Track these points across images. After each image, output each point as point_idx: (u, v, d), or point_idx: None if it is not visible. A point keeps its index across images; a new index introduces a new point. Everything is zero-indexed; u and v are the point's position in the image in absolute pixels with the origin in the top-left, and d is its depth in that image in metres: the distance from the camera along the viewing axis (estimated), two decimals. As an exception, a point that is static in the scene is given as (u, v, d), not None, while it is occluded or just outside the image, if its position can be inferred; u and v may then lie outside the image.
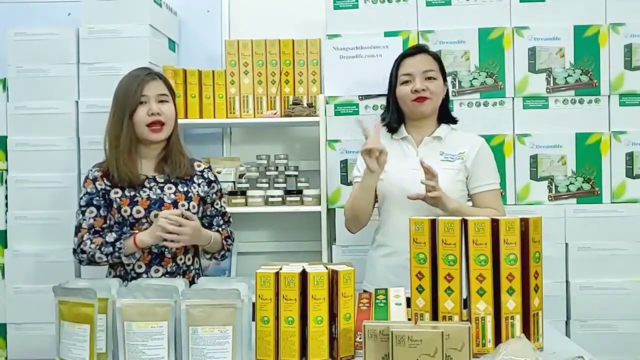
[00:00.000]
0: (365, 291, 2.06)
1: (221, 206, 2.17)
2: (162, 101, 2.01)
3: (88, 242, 1.96)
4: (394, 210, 2.05)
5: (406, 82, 2.06)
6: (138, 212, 1.98)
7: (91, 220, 1.99)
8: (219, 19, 2.99)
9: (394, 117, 2.13)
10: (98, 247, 1.94)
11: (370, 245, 2.19)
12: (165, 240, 1.91)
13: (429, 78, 2.05)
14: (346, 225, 2.16)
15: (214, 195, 2.14)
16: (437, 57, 2.13)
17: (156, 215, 1.96)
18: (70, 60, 2.58)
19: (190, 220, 1.94)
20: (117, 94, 2.02)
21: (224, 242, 2.13)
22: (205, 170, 2.15)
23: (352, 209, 2.09)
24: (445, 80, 2.12)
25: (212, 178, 2.16)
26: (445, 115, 2.14)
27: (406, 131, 2.12)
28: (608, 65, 2.48)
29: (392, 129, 2.14)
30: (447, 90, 2.16)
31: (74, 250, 1.99)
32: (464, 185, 2.07)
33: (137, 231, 1.96)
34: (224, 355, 1.39)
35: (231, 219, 2.20)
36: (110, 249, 1.93)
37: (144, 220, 1.98)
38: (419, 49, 2.13)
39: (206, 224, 2.12)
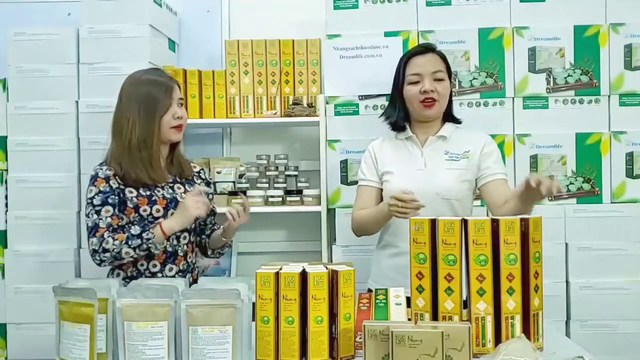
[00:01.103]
0: (370, 289, 2.06)
1: (214, 206, 2.22)
2: (180, 105, 2.06)
3: (110, 240, 1.90)
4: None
5: (415, 82, 2.04)
6: (158, 210, 1.99)
7: (108, 219, 1.94)
8: (219, 19, 2.99)
9: (401, 116, 2.10)
10: (124, 242, 1.90)
11: (376, 244, 2.18)
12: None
13: (438, 79, 2.03)
14: (353, 230, 2.16)
15: (210, 196, 2.19)
16: (444, 57, 2.10)
17: (172, 214, 1.99)
18: (70, 60, 2.58)
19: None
20: (142, 97, 1.98)
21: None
22: (202, 171, 2.22)
23: (360, 227, 2.11)
24: (450, 80, 2.10)
25: (207, 179, 2.23)
26: (449, 115, 2.13)
27: (411, 130, 2.11)
28: (608, 65, 2.48)
29: (399, 127, 2.12)
30: (451, 91, 2.13)
31: (94, 251, 1.92)
32: (471, 185, 2.06)
33: (159, 221, 1.95)
34: (224, 355, 1.39)
35: None
36: (138, 241, 1.90)
37: (161, 220, 1.98)
38: (428, 48, 2.10)
39: (202, 224, 2.17)
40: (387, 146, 2.14)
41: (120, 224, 1.97)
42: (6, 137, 2.58)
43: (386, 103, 2.49)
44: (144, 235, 1.91)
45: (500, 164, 2.08)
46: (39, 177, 2.55)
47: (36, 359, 2.44)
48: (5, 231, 2.57)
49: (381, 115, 2.18)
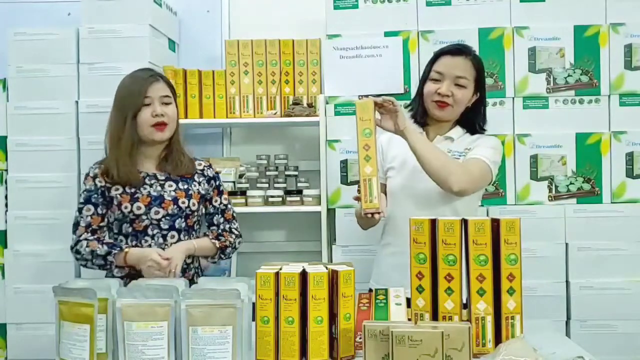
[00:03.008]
0: (371, 290, 2.06)
1: (221, 203, 2.16)
2: (165, 103, 2.03)
3: (84, 243, 1.98)
4: (399, 209, 2.04)
5: (436, 79, 2.02)
6: (138, 208, 1.99)
7: (88, 219, 2.00)
8: (219, 19, 2.99)
9: (420, 112, 2.08)
10: (91, 255, 1.96)
11: (377, 243, 2.18)
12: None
13: (459, 85, 2.00)
14: (358, 223, 2.15)
15: (212, 192, 2.15)
16: (477, 66, 2.04)
17: (157, 213, 1.99)
18: (70, 60, 2.58)
19: (171, 259, 1.92)
20: (119, 95, 2.03)
21: (214, 242, 2.09)
22: (205, 168, 2.16)
23: (360, 217, 2.09)
24: (478, 90, 2.06)
25: (211, 175, 2.16)
26: (469, 124, 2.09)
27: (424, 126, 2.09)
28: (608, 65, 2.48)
29: (417, 122, 2.09)
30: (483, 100, 2.09)
31: (71, 247, 2.01)
32: None
33: (127, 249, 1.96)
34: (224, 355, 1.39)
35: (234, 215, 2.20)
36: (102, 261, 1.96)
37: (144, 217, 1.99)
38: (463, 51, 2.04)
39: (207, 223, 2.15)
40: (396, 141, 2.12)
41: (107, 221, 2.02)
42: (6, 137, 2.58)
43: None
44: (108, 257, 1.94)
45: (482, 148, 2.02)
46: (39, 177, 2.55)
47: (36, 359, 2.44)
48: (5, 231, 2.57)
49: (407, 106, 2.15)
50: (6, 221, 2.57)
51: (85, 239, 1.98)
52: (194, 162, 2.14)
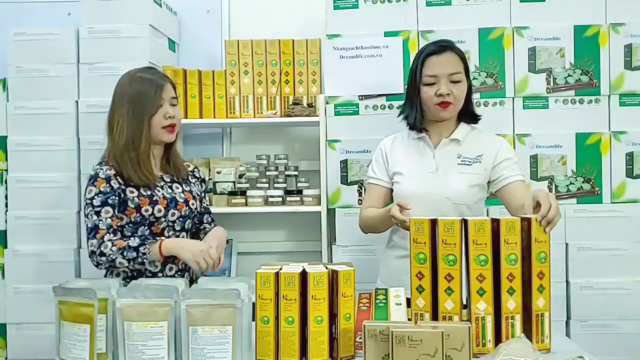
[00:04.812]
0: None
1: (207, 204, 2.22)
2: (173, 104, 2.03)
3: (109, 243, 1.89)
4: (410, 213, 2.02)
5: (431, 83, 1.97)
6: (159, 211, 1.98)
7: (108, 221, 1.93)
8: (219, 19, 2.99)
9: (419, 118, 2.03)
10: (120, 251, 1.88)
11: (385, 244, 2.16)
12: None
13: (455, 81, 1.96)
14: (360, 227, 2.14)
15: (203, 193, 2.19)
16: (462, 56, 2.02)
17: (173, 214, 2.00)
18: (70, 60, 2.58)
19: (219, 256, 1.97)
20: (131, 95, 1.98)
21: None
22: (195, 170, 2.20)
23: (367, 226, 2.09)
24: (467, 79, 2.03)
25: (202, 177, 2.22)
26: (466, 114, 2.06)
27: (425, 129, 2.06)
28: (608, 65, 2.48)
29: (417, 129, 2.05)
30: (470, 88, 2.05)
31: (93, 253, 1.91)
32: (481, 190, 2.02)
33: (161, 238, 1.94)
34: (224, 355, 1.39)
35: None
36: (134, 254, 1.88)
37: (162, 219, 1.99)
38: (446, 47, 1.99)
39: (197, 222, 2.16)
40: (398, 145, 2.10)
41: (120, 224, 1.97)
42: (6, 137, 2.58)
43: (386, 103, 2.51)
44: (140, 249, 1.89)
45: (515, 166, 2.01)
46: (39, 177, 2.55)
47: (36, 359, 2.44)
48: (5, 231, 2.57)
49: (399, 114, 2.10)
50: (6, 221, 2.57)
51: (110, 240, 1.90)
52: (184, 164, 2.16)
